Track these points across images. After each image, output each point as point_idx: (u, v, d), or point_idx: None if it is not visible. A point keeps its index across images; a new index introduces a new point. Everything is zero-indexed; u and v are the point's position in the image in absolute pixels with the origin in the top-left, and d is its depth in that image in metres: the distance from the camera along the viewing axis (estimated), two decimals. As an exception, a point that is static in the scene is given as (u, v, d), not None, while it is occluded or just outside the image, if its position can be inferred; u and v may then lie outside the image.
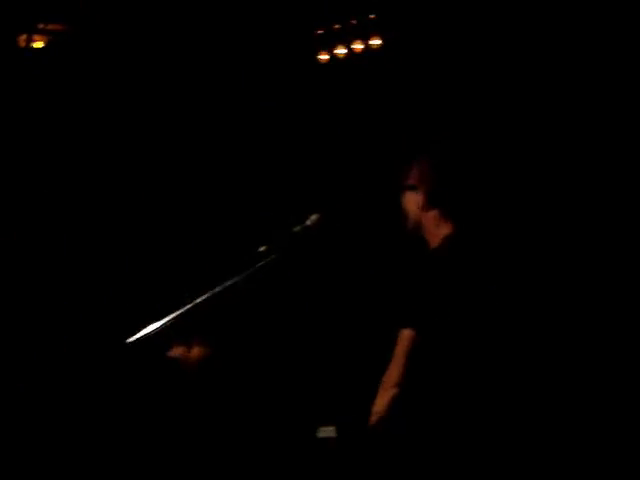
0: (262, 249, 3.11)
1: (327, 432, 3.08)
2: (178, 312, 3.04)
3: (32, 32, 3.90)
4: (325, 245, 3.20)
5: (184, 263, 3.82)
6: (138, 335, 2.99)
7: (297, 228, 3.16)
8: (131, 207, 3.91)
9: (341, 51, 4.41)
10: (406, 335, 3.03)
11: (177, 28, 4.09)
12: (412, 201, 3.17)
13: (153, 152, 4.01)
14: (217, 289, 3.06)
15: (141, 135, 4.03)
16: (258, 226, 3.75)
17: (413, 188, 3.17)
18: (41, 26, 3.93)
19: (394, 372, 3.02)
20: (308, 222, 3.16)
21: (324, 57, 4.38)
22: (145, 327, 2.99)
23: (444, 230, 3.15)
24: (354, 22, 4.21)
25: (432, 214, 3.16)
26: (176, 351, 3.29)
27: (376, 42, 4.38)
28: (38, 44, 3.93)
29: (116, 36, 4.05)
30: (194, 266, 3.77)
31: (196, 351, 3.45)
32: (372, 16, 4.20)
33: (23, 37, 3.88)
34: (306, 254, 3.17)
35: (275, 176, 3.90)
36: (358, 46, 4.43)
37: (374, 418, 3.02)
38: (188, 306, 3.05)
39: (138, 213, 3.88)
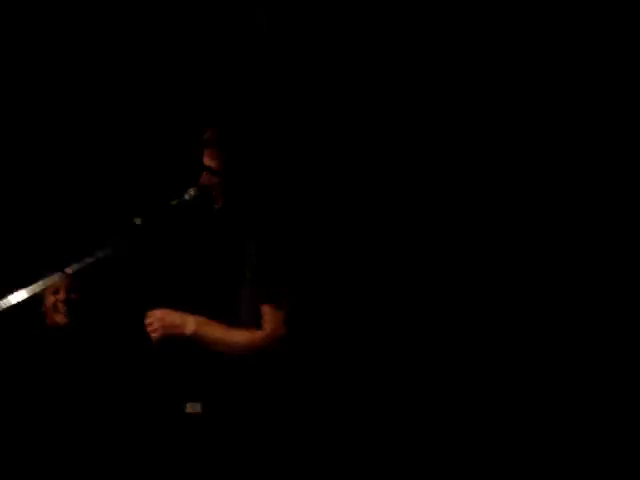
0: (137, 221, 3.06)
1: (194, 408, 3.05)
2: (45, 280, 2.99)
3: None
4: (201, 220, 3.13)
5: (55, 233, 3.75)
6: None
7: (174, 201, 3.11)
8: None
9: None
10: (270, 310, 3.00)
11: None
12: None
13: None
14: (88, 260, 3.02)
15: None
16: (134, 198, 3.68)
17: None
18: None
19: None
20: (186, 196, 3.11)
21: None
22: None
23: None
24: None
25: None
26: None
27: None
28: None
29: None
30: (64, 235, 3.71)
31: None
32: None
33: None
34: (182, 228, 3.13)
35: (153, 148, 3.84)
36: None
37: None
38: (55, 275, 3.00)
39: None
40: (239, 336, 3.00)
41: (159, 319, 3.01)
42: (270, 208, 3.13)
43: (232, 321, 3.03)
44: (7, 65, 3.95)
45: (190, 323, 3.00)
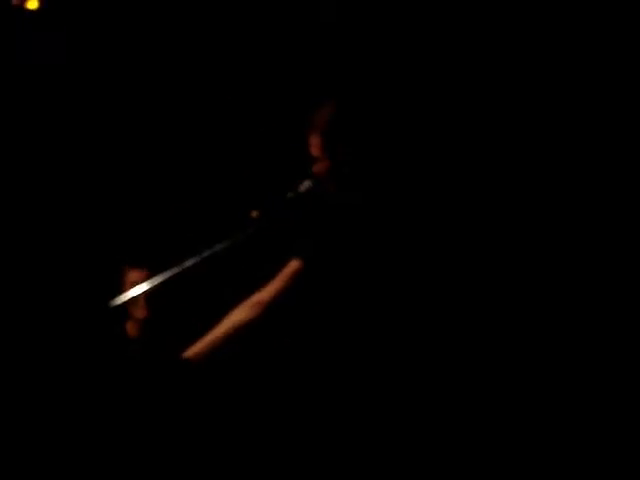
0: (254, 215, 3.07)
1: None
2: (166, 275, 3.02)
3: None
4: (318, 212, 3.13)
5: (175, 226, 3.80)
6: (125, 297, 2.98)
7: (290, 194, 3.11)
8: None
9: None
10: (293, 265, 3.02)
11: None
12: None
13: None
14: (206, 253, 3.04)
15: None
16: (251, 191, 3.70)
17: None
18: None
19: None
20: (302, 188, 3.11)
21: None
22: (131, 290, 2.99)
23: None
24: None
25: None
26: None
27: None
28: (32, 4, 3.90)
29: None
30: (185, 230, 3.75)
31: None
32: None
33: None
34: (299, 221, 3.13)
35: (270, 141, 3.85)
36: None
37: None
38: (177, 269, 3.03)
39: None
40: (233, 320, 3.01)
41: None
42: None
43: None
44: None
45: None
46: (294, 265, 3.05)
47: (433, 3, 3.85)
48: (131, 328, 3.19)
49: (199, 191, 3.85)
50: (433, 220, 3.20)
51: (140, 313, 3.14)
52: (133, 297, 3.00)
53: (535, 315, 3.64)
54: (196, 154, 3.91)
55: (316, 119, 3.07)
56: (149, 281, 3.02)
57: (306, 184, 3.10)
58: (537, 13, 3.74)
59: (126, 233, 3.82)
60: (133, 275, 3.14)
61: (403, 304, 3.04)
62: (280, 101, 3.90)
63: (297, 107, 3.50)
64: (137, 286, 3.02)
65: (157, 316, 3.15)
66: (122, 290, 3.06)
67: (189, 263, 3.03)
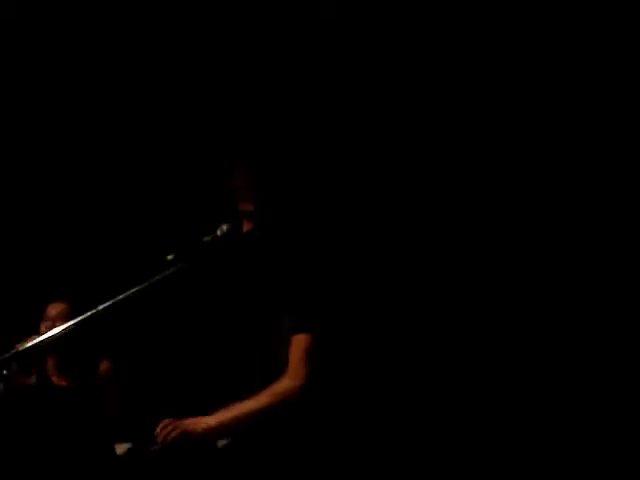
0: (170, 257, 3.04)
1: (122, 448, 2.99)
2: (78, 319, 2.97)
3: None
4: (235, 255, 3.11)
5: (89, 267, 3.75)
6: (30, 343, 2.92)
7: (207, 237, 3.09)
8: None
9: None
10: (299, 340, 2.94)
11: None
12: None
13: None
14: (121, 297, 3.00)
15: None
16: (167, 234, 3.67)
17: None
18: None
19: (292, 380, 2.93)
20: (218, 232, 3.09)
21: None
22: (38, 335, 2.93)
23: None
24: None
25: None
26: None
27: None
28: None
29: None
30: (99, 271, 3.71)
31: (104, 366, 3.39)
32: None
33: None
34: (215, 264, 3.10)
35: (187, 184, 3.83)
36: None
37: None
38: (89, 313, 2.98)
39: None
40: (260, 402, 2.91)
41: (173, 423, 2.91)
42: (302, 240, 3.10)
43: (273, 354, 2.99)
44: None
45: (209, 417, 2.92)
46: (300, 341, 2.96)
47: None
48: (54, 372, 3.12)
49: (117, 233, 3.82)
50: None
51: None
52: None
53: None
54: (115, 191, 3.88)
55: (240, 175, 3.07)
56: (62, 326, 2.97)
57: (223, 228, 3.09)
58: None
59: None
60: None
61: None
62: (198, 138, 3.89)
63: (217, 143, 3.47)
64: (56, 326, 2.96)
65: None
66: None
67: (104, 306, 2.99)
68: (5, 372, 2.89)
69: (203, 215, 3.39)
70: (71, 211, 3.84)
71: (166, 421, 2.91)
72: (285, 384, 2.92)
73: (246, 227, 3.09)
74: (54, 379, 3.97)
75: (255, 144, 3.34)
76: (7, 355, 2.87)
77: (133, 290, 2.99)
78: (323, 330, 2.96)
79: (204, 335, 3.16)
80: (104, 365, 3.35)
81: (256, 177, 3.08)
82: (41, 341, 2.96)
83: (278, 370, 3.00)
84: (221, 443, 2.99)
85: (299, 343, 2.94)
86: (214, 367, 3.45)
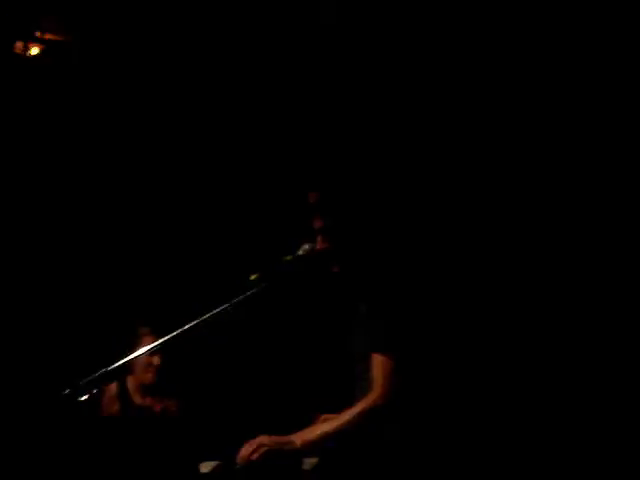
0: (253, 277, 3.09)
1: (207, 467, 3.03)
2: (165, 338, 3.02)
3: (29, 40, 3.86)
4: (316, 275, 3.16)
5: (173, 288, 3.80)
6: (122, 361, 2.97)
7: (289, 257, 3.13)
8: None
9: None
10: (381, 360, 2.97)
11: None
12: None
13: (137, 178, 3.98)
14: (206, 316, 3.05)
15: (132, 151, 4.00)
16: (250, 254, 3.71)
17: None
18: (38, 34, 3.89)
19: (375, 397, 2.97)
20: (300, 251, 3.14)
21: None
22: (129, 353, 2.98)
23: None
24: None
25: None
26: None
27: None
28: (34, 50, 3.90)
29: (112, 45, 4.00)
30: (182, 293, 3.75)
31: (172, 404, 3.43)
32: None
33: (20, 44, 3.84)
34: (297, 283, 3.15)
35: (268, 202, 3.87)
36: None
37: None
38: (176, 332, 3.03)
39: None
40: (349, 418, 2.94)
41: (259, 442, 2.96)
42: (380, 271, 3.14)
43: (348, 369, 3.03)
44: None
45: (294, 437, 2.96)
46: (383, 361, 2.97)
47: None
48: (136, 393, 3.17)
49: (201, 254, 3.85)
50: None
51: (147, 378, 3.12)
52: (139, 360, 2.99)
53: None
54: (196, 213, 3.91)
55: (317, 194, 3.11)
56: (152, 343, 3.02)
57: (305, 247, 3.14)
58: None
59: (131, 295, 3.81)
60: (144, 338, 3.12)
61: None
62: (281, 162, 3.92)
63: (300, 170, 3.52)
64: (141, 347, 3.02)
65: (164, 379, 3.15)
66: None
67: (191, 325, 3.04)
68: (95, 391, 2.94)
69: (285, 234, 3.43)
70: (156, 229, 3.87)
71: (253, 440, 2.97)
72: (368, 403, 2.94)
73: (320, 245, 3.12)
74: (137, 399, 4.01)
75: (319, 163, 3.37)
76: (99, 373, 2.92)
77: (219, 309, 3.05)
78: (401, 349, 3.01)
79: (284, 352, 3.20)
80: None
81: (325, 194, 3.12)
82: (129, 360, 3.01)
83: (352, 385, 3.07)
84: (308, 463, 3.04)
85: (381, 362, 2.97)
86: (294, 383, 3.52)
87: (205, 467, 3.04)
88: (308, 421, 3.08)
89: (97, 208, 4.03)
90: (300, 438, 2.96)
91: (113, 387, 3.23)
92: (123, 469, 3.30)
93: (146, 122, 4.04)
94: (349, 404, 3.00)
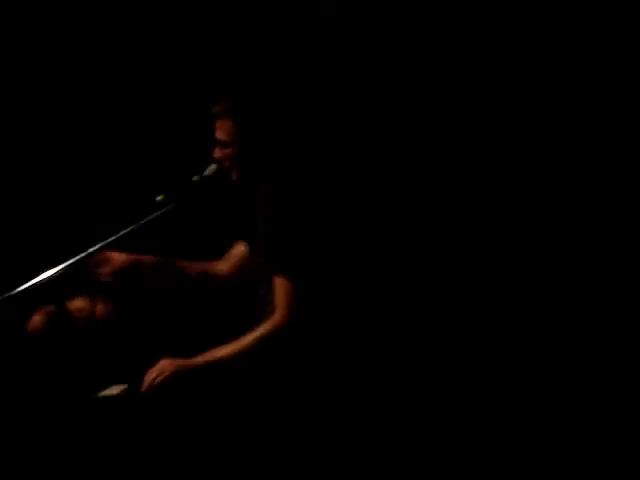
0: (159, 198, 3.06)
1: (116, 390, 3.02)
2: (70, 261, 2.98)
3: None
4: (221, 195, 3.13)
5: (77, 210, 3.75)
6: (25, 285, 2.93)
7: (196, 177, 3.11)
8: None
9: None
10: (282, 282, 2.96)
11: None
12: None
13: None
14: (112, 238, 3.02)
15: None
16: (155, 175, 3.67)
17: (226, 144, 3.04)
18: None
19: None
20: (207, 172, 3.11)
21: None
22: (33, 277, 2.93)
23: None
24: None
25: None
26: (76, 304, 3.21)
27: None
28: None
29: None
30: (87, 214, 3.70)
31: (100, 307, 3.37)
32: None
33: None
34: (203, 204, 3.12)
35: (174, 124, 3.82)
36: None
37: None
38: (81, 255, 3.00)
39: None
40: (250, 340, 2.95)
41: (160, 367, 2.95)
42: (280, 177, 3.10)
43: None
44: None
45: (196, 360, 2.96)
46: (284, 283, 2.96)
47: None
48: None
49: (106, 173, 3.80)
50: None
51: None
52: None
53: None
54: (104, 133, 3.85)
55: (226, 102, 3.06)
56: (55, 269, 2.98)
57: (212, 168, 3.11)
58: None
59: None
60: None
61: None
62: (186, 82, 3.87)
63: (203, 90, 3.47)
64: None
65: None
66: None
67: (97, 247, 3.01)
68: None
69: (191, 154, 3.39)
70: (60, 149, 3.81)
71: (156, 366, 2.97)
72: (268, 325, 2.95)
73: (217, 154, 3.07)
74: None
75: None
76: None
77: (125, 231, 3.02)
78: (304, 272, 2.97)
79: (192, 276, 3.18)
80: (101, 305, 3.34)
81: (234, 105, 3.06)
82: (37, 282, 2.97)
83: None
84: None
85: (282, 285, 2.96)
86: (205, 307, 3.50)
87: (115, 389, 3.02)
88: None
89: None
90: (202, 359, 2.96)
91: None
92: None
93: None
94: (251, 326, 2.99)
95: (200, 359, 2.96)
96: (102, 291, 3.22)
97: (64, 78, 3.89)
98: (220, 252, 3.17)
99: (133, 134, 3.83)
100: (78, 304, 3.21)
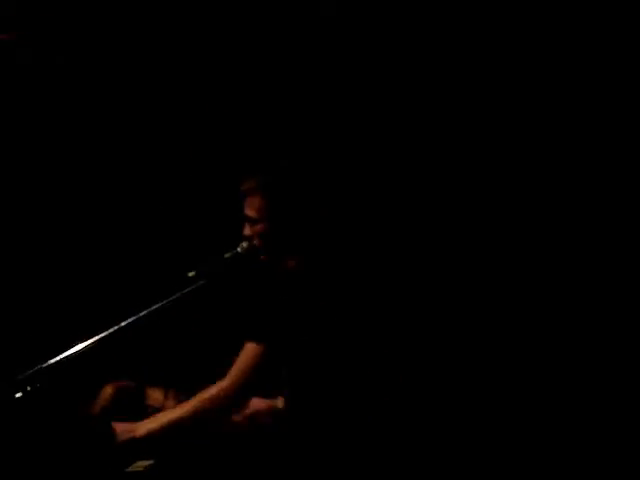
0: (191, 274, 3.07)
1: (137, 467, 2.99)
2: (100, 335, 2.99)
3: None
4: (255, 272, 3.13)
5: (109, 285, 3.77)
6: (57, 358, 2.93)
7: (228, 254, 3.12)
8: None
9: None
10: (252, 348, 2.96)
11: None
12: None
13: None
14: (143, 313, 3.03)
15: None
16: (188, 251, 3.69)
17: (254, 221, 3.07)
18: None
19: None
20: (239, 249, 3.12)
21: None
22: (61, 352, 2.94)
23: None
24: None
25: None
26: (155, 395, 3.22)
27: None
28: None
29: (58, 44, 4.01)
30: (118, 289, 3.72)
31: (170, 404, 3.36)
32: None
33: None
34: (236, 280, 3.13)
35: (205, 201, 3.85)
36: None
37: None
38: (112, 329, 3.00)
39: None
40: (194, 404, 2.95)
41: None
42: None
43: None
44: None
45: (138, 425, 2.96)
46: (252, 348, 2.98)
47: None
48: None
49: (138, 251, 3.83)
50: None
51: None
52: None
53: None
54: (135, 212, 3.89)
55: (256, 180, 3.09)
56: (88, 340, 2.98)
57: (244, 245, 3.12)
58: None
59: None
60: None
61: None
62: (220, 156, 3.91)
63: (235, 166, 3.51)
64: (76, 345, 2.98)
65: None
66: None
67: (129, 321, 3.01)
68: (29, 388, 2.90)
69: (224, 232, 3.40)
70: (90, 228, 3.85)
71: None
72: (213, 389, 2.95)
73: (247, 231, 3.08)
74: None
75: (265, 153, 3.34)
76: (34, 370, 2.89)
77: (156, 306, 3.02)
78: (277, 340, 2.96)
79: (220, 349, 3.18)
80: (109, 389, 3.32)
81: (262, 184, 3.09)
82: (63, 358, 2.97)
83: None
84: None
85: (245, 350, 2.97)
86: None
87: (139, 465, 3.00)
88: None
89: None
90: (144, 427, 2.95)
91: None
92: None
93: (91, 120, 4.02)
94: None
95: (142, 426, 2.95)
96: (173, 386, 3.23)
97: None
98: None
99: (167, 210, 3.87)
100: (157, 395, 3.22)
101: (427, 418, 3.51)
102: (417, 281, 3.82)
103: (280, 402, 3.13)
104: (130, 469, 2.97)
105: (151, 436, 2.94)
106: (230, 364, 3.03)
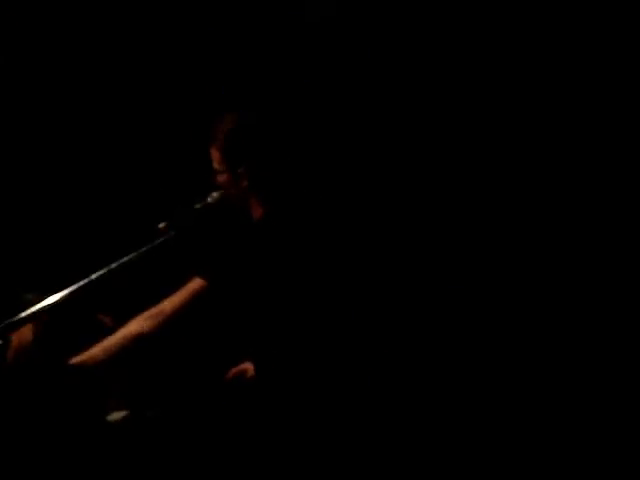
0: (161, 225, 3.04)
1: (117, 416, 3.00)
2: (71, 288, 2.96)
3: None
4: (225, 222, 3.12)
5: (79, 238, 3.74)
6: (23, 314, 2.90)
7: (198, 205, 3.09)
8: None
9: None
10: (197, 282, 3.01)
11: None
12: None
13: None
14: (113, 265, 3.00)
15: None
16: (158, 202, 3.66)
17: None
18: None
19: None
20: (209, 199, 3.10)
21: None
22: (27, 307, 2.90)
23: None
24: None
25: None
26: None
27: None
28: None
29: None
30: (89, 242, 3.69)
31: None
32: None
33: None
34: (206, 231, 3.11)
35: (177, 152, 3.82)
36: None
37: None
38: (82, 282, 2.98)
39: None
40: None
41: None
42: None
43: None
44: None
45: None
46: (198, 282, 3.03)
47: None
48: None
49: (106, 202, 3.80)
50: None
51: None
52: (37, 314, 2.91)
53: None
54: (105, 161, 3.85)
55: (216, 132, 3.06)
56: (57, 294, 2.96)
57: (214, 195, 3.10)
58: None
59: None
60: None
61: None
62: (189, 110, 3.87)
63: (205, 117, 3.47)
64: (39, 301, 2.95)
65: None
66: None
67: (96, 275, 2.99)
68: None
69: (194, 181, 3.38)
70: (59, 177, 3.81)
71: None
72: (153, 310, 3.01)
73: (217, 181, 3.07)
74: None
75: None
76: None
77: (126, 258, 3.00)
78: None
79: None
80: None
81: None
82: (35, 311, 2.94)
83: None
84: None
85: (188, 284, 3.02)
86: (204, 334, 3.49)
87: (115, 416, 3.00)
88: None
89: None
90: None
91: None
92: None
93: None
94: None
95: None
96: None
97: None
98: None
99: (138, 163, 3.84)
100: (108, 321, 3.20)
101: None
102: (379, 245, 3.83)
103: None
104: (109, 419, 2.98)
105: (107, 355, 2.95)
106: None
